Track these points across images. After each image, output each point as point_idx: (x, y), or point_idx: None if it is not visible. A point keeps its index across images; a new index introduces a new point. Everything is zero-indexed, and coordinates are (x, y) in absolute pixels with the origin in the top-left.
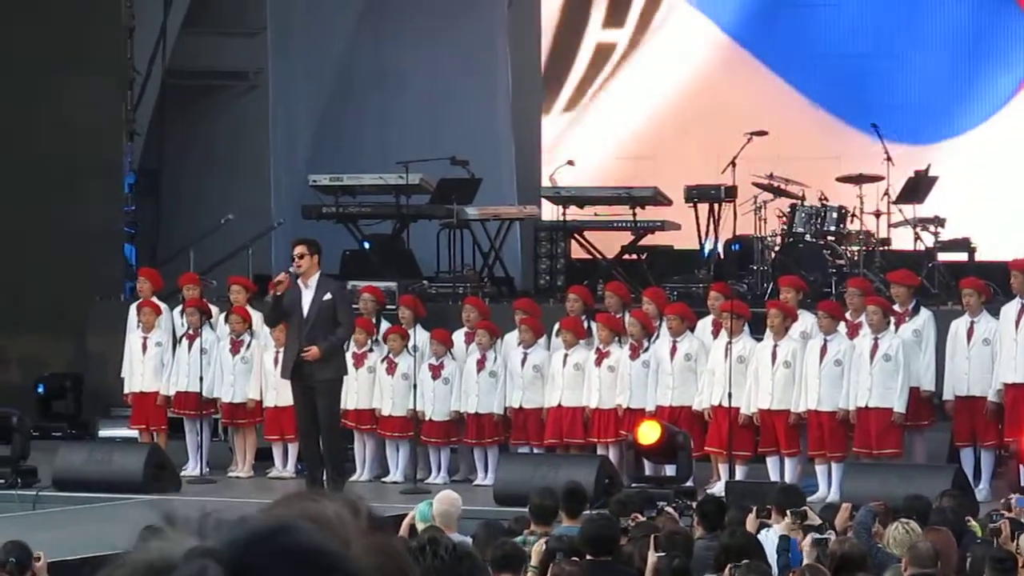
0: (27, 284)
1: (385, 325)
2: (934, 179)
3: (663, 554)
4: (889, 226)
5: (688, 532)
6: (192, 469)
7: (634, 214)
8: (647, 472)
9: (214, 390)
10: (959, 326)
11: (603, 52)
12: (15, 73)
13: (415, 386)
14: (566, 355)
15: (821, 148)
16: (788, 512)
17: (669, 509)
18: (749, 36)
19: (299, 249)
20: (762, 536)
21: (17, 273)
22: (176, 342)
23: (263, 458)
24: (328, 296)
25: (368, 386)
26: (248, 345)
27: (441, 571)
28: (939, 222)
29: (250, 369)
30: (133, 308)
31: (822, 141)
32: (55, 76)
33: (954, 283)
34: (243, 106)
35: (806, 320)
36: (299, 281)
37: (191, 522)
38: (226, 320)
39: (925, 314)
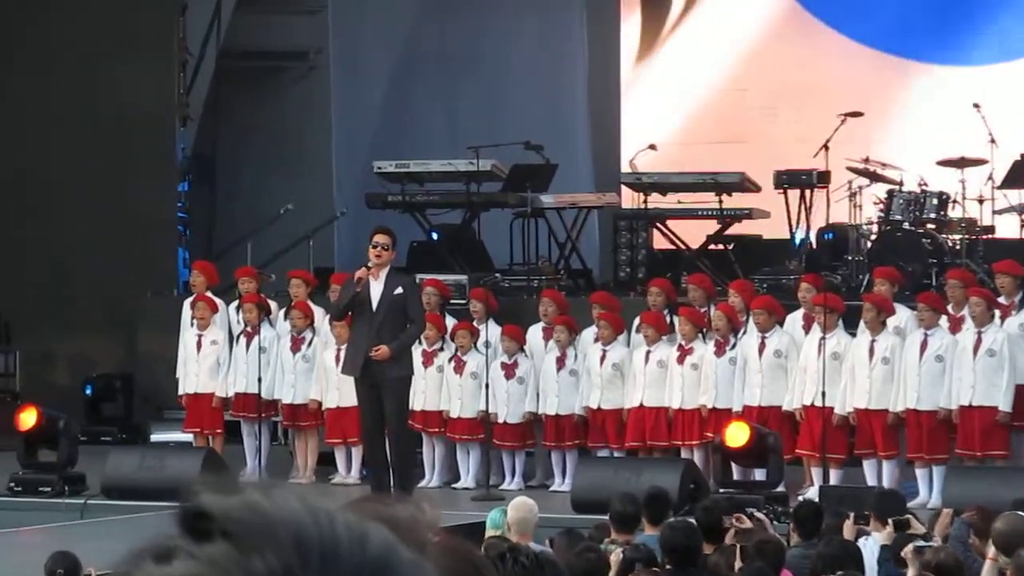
0: (75, 278)
1: (451, 321)
2: None
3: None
4: (993, 212)
5: (779, 540)
6: (251, 475)
7: (720, 201)
8: (735, 476)
9: (274, 391)
10: None
11: (686, 29)
12: (65, 57)
13: (487, 385)
14: (648, 352)
15: (919, 130)
16: (890, 520)
17: (760, 515)
18: (836, 13)
19: (384, 239)
20: (861, 544)
21: (65, 267)
22: (233, 340)
23: (325, 463)
24: (399, 290)
25: (436, 386)
26: (310, 343)
27: None
28: None
29: (312, 368)
30: (187, 304)
31: (920, 123)
32: (105, 59)
33: None
34: (303, 88)
35: (901, 314)
36: None
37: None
38: (286, 316)
39: None
